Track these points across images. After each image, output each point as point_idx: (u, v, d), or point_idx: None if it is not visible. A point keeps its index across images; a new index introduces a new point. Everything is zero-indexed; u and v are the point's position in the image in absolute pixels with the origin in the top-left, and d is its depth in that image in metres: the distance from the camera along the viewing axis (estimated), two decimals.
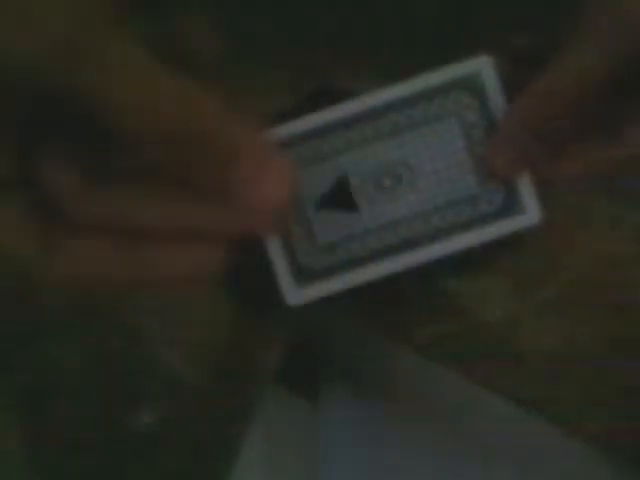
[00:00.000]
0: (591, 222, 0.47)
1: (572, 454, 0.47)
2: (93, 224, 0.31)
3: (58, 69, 0.27)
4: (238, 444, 0.46)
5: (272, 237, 0.39)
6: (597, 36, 0.34)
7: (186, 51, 0.34)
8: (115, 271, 0.31)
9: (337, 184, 0.39)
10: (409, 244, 0.39)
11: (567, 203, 0.47)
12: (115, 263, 0.31)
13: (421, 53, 0.44)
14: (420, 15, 0.44)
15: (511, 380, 0.46)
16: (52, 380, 0.46)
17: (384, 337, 0.48)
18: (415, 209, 0.39)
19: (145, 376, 0.46)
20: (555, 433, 0.46)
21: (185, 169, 0.30)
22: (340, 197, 0.39)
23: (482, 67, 0.38)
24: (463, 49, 0.39)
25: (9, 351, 0.46)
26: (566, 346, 0.47)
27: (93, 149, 0.30)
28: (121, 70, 0.28)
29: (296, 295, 0.39)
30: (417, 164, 0.39)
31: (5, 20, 0.27)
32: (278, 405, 0.48)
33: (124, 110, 0.28)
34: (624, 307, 0.47)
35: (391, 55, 0.44)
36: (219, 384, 0.46)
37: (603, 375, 0.46)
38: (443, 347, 0.47)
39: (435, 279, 0.47)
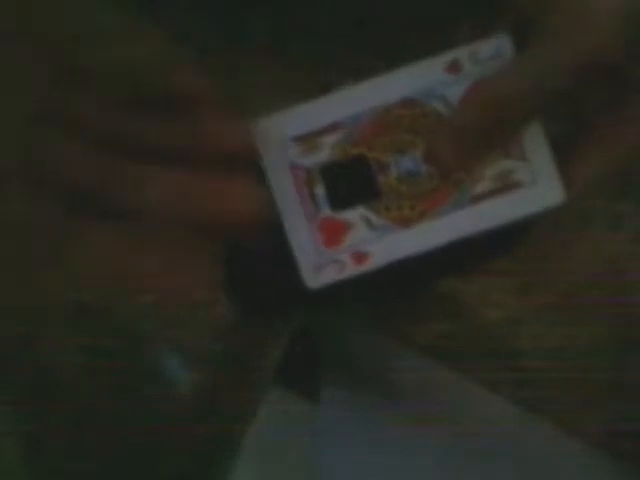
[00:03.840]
0: (591, 222, 0.47)
1: (572, 454, 0.47)
2: None
3: None
4: (238, 444, 0.46)
5: (293, 218, 0.36)
6: (561, 37, 0.33)
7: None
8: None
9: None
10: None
11: (567, 203, 0.47)
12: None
13: (424, 49, 0.43)
14: (422, 11, 0.44)
15: (511, 380, 0.46)
16: (52, 380, 0.46)
17: (384, 337, 0.48)
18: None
19: (145, 376, 0.46)
20: (555, 433, 0.46)
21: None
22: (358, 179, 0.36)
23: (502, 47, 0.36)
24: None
25: (9, 351, 0.46)
26: (566, 346, 0.47)
27: None
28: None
29: (315, 278, 0.36)
30: None
31: None
32: (278, 405, 0.48)
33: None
34: (624, 307, 0.47)
35: (394, 52, 0.44)
36: (219, 384, 0.46)
37: (603, 375, 0.46)
38: (443, 347, 0.47)
39: (435, 279, 0.47)
